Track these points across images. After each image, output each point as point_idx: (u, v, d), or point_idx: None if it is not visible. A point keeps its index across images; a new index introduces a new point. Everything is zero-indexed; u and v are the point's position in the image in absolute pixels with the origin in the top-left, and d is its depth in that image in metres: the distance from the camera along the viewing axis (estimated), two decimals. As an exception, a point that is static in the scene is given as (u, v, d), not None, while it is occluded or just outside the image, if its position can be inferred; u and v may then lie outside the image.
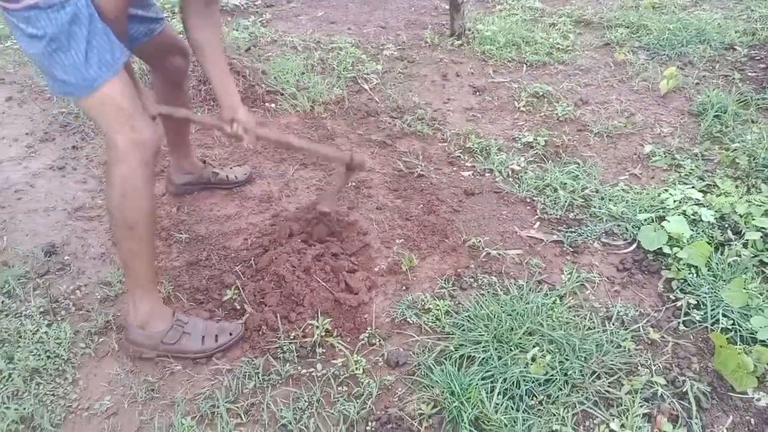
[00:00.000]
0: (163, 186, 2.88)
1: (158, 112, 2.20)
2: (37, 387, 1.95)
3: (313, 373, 2.00)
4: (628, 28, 4.57)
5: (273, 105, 3.62)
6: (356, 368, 1.99)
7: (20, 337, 2.11)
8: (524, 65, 4.14)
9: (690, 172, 2.92)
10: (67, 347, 2.07)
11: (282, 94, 3.69)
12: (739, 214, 2.54)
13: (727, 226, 2.54)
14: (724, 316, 2.14)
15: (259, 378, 1.97)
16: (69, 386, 1.97)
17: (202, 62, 2.12)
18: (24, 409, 1.87)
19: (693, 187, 2.74)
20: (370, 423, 1.84)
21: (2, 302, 2.25)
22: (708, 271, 2.32)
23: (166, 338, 2.02)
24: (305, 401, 1.90)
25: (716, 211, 2.57)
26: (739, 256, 2.36)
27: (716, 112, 3.35)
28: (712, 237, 2.47)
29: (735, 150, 3.02)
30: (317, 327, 2.11)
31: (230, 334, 2.08)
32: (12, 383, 1.95)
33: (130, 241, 1.90)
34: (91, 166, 3.09)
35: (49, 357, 2.04)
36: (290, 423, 1.84)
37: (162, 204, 2.81)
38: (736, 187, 2.74)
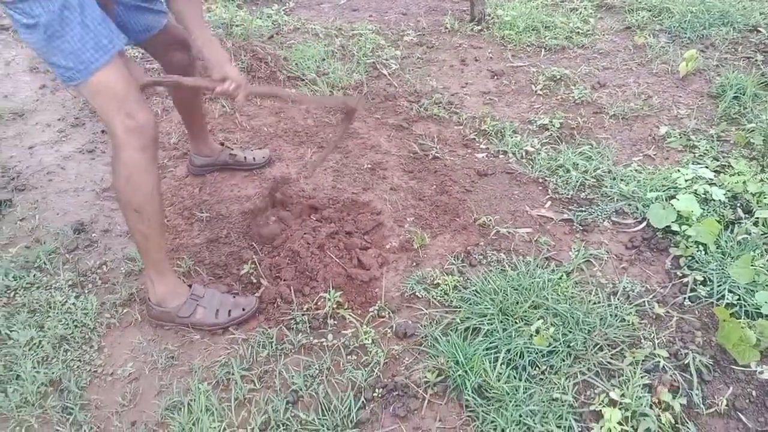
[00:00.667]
0: (185, 168, 3.00)
1: (145, 82, 2.19)
2: (65, 353, 2.08)
3: (324, 343, 2.08)
4: (649, 11, 4.54)
5: (294, 90, 3.70)
6: (365, 339, 2.07)
7: (50, 307, 2.23)
8: (543, 49, 4.15)
9: (705, 153, 2.92)
10: (93, 317, 2.20)
11: (302, 80, 3.76)
12: (751, 193, 2.54)
13: (738, 204, 2.54)
14: (730, 291, 2.16)
15: (272, 347, 2.07)
16: (94, 353, 2.09)
17: (185, 26, 2.16)
18: (53, 373, 2.00)
19: (706, 167, 2.75)
20: (377, 390, 1.92)
21: (34, 275, 2.38)
22: (717, 248, 2.34)
23: (181, 312, 2.13)
24: (316, 369, 1.99)
25: (728, 191, 2.58)
26: (749, 234, 2.38)
27: (735, 93, 3.33)
28: (723, 215, 2.48)
29: (751, 130, 3.01)
30: (329, 300, 2.19)
31: (243, 309, 2.17)
32: (42, 350, 2.08)
33: (140, 224, 1.99)
34: (118, 150, 3.21)
35: (76, 326, 2.16)
36: (301, 389, 1.93)
37: (185, 185, 2.92)
38: (750, 167, 2.73)
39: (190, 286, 2.20)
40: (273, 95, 2.35)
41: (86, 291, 2.32)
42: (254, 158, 3.00)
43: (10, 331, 2.13)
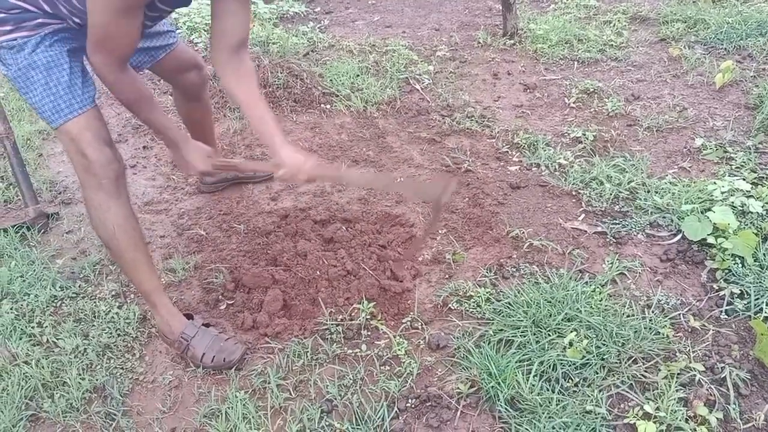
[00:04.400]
0: (196, 187, 3.09)
1: (210, 166, 2.18)
2: (108, 361, 2.15)
3: (358, 353, 2.12)
4: (684, 23, 4.50)
5: (328, 106, 3.77)
6: (399, 349, 2.10)
7: (95, 317, 2.32)
8: (576, 62, 4.15)
9: (742, 165, 2.89)
10: (135, 326, 2.27)
11: (337, 96, 3.84)
12: (790, 205, 2.50)
13: (776, 217, 2.51)
14: (768, 305, 2.13)
15: (307, 357, 2.11)
16: (136, 361, 2.16)
17: (241, 109, 2.15)
18: (97, 380, 2.08)
19: (743, 179, 2.71)
20: (410, 400, 1.94)
21: (79, 286, 2.47)
22: (754, 261, 2.31)
23: (175, 346, 2.15)
24: (350, 379, 2.02)
25: (766, 203, 2.54)
26: (788, 246, 2.34)
27: (773, 104, 3.29)
28: (760, 228, 2.45)
29: (790, 142, 2.97)
30: (363, 311, 2.23)
31: (224, 360, 2.09)
32: (87, 357, 2.16)
33: (114, 258, 2.07)
34: (159, 165, 3.32)
35: (119, 335, 2.24)
36: (335, 398, 1.96)
37: (224, 198, 3.00)
38: (789, 178, 2.70)
39: (190, 316, 2.20)
40: (341, 180, 2.29)
41: (128, 301, 2.40)
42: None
43: (57, 339, 2.22)
